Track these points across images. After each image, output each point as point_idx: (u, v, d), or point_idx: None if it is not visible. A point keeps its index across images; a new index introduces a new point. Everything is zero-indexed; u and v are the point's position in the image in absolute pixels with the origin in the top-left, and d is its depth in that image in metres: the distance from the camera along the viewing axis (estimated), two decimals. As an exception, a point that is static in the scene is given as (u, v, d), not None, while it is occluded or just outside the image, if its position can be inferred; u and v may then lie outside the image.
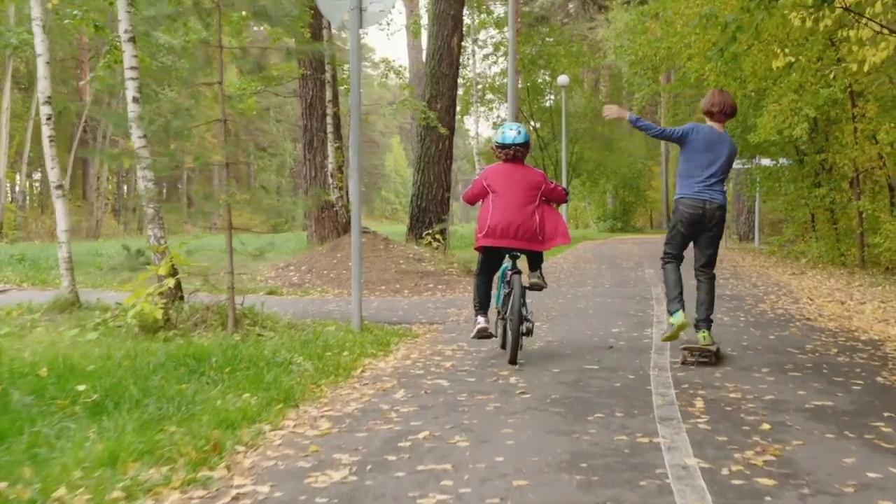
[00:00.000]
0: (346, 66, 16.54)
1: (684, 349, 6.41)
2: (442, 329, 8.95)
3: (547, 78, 43.93)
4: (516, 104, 38.24)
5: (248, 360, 6.37)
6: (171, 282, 8.25)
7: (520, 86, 42.28)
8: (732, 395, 5.23)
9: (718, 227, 6.52)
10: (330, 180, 14.89)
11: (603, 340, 7.74)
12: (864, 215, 15.55)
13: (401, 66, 19.87)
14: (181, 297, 9.26)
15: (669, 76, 49.49)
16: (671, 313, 6.48)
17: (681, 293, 6.55)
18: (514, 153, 6.66)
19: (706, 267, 6.75)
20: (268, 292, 13.27)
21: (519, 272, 6.62)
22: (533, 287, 6.77)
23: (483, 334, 6.75)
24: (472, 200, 6.87)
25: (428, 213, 16.65)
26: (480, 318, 6.78)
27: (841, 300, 11.07)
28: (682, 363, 6.36)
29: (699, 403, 5.00)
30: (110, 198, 58.28)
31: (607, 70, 51.36)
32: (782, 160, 20.71)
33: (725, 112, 6.38)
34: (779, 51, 10.77)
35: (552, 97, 44.18)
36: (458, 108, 19.33)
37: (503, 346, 6.93)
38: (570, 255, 22.16)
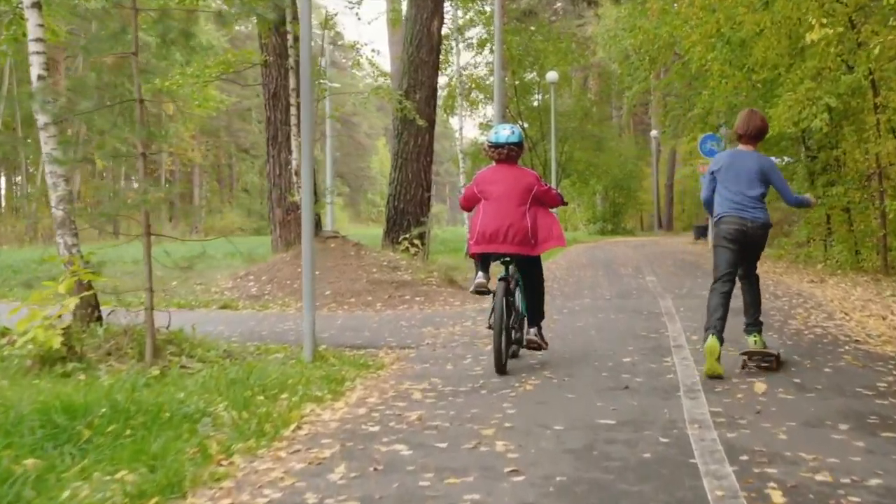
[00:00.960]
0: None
1: (743, 354, 6.32)
2: (413, 357, 7.32)
3: (535, 77, 42.35)
4: (503, 101, 36.72)
5: (148, 411, 4.73)
6: (71, 302, 6.57)
7: (507, 82, 40.74)
8: (819, 478, 3.60)
9: (760, 246, 6.41)
10: (294, 179, 13.23)
11: (614, 375, 6.12)
12: (886, 217, 14.02)
13: (374, 51, 18.18)
14: (98, 319, 7.61)
15: (660, 74, 48.19)
16: (705, 339, 6.09)
17: (720, 318, 6.10)
18: (507, 153, 6.47)
19: (750, 272, 6.56)
20: (221, 306, 11.63)
21: (506, 280, 6.35)
22: (530, 346, 6.68)
23: (480, 288, 6.42)
24: (467, 207, 6.79)
25: (406, 216, 15.04)
26: (480, 274, 6.48)
27: (881, 314, 9.48)
28: (742, 368, 6.24)
29: (777, 497, 3.36)
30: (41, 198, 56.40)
31: (597, 68, 49.92)
32: (787, 158, 19.23)
33: (749, 134, 6.29)
34: (814, 21, 9.16)
35: (540, 96, 42.59)
36: (439, 103, 17.61)
37: (497, 370, 6.24)
38: (562, 260, 20.57)
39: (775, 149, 18.58)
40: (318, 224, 14.03)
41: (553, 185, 35.49)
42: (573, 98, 44.81)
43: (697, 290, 12.32)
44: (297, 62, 13.57)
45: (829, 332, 8.18)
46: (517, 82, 41.96)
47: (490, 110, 40.68)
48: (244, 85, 20.50)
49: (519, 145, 6.51)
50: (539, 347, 6.68)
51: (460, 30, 27.91)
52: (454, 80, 20.03)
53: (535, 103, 42.90)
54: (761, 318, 6.57)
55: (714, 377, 5.84)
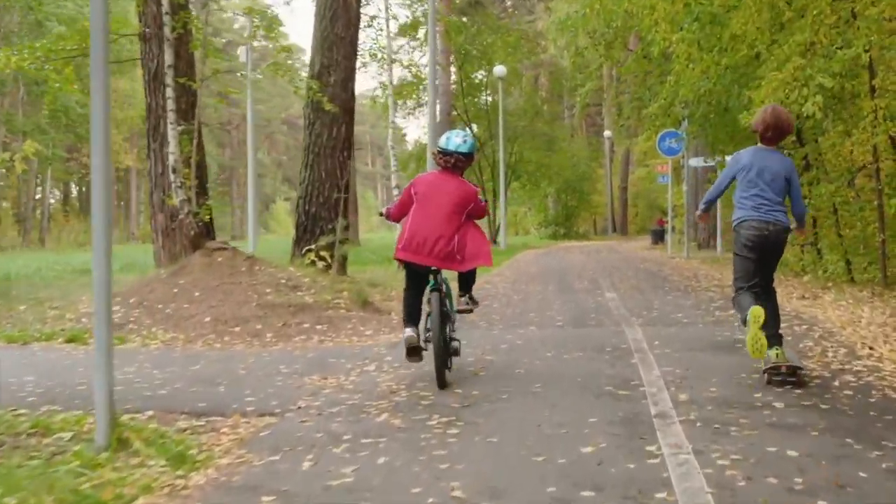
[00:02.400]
0: (202, 17, 12.27)
1: (766, 371, 5.85)
2: (265, 438, 4.80)
3: (483, 74, 39.98)
4: (441, 99, 34.29)
5: None
6: None
7: (453, 81, 38.35)
8: None
9: (780, 251, 6.08)
10: (172, 177, 10.61)
11: (569, 487, 3.66)
12: (885, 219, 11.86)
13: (273, 13, 15.56)
14: None
15: (614, 74, 46.20)
16: (744, 319, 5.82)
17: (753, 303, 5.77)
18: (454, 162, 6.23)
19: (768, 283, 6.12)
20: (67, 339, 8.97)
21: (439, 289, 6.06)
22: (461, 311, 6.50)
23: (411, 353, 6.07)
24: (397, 216, 6.41)
25: (319, 222, 12.50)
26: (408, 330, 6.11)
27: (915, 348, 7.21)
28: (767, 384, 5.79)
29: None
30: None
31: (548, 66, 47.80)
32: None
33: (774, 134, 5.98)
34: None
35: (489, 97, 40.21)
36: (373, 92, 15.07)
37: (440, 385, 5.92)
38: (508, 271, 18.16)
39: (745, 144, 16.39)
40: (207, 233, 11.43)
41: (501, 186, 33.29)
42: (523, 96, 42.53)
43: (670, 311, 9.98)
44: (178, 34, 11.01)
45: (866, 381, 5.84)
46: (465, 81, 39.62)
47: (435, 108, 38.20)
48: (117, 62, 17.68)
49: (468, 156, 6.24)
50: (470, 311, 6.57)
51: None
52: (382, 63, 17.44)
53: (485, 100, 40.47)
54: (781, 332, 5.99)
55: (760, 355, 5.68)
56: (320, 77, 12.61)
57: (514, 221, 60.79)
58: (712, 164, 22.03)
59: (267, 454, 4.42)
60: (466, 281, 6.41)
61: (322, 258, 11.28)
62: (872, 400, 5.29)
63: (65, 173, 59.84)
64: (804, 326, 8.61)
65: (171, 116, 10.53)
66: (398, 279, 14.38)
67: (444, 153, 6.22)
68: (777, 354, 5.79)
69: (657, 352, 7.18)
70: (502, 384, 6.01)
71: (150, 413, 5.46)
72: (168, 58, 10.67)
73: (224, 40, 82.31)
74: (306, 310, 9.62)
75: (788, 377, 5.72)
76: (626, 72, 20.53)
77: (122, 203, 65.04)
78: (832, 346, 7.36)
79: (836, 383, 5.82)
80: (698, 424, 4.69)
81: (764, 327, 5.75)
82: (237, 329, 9.11)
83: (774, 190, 5.86)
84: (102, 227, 4.65)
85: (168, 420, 5.35)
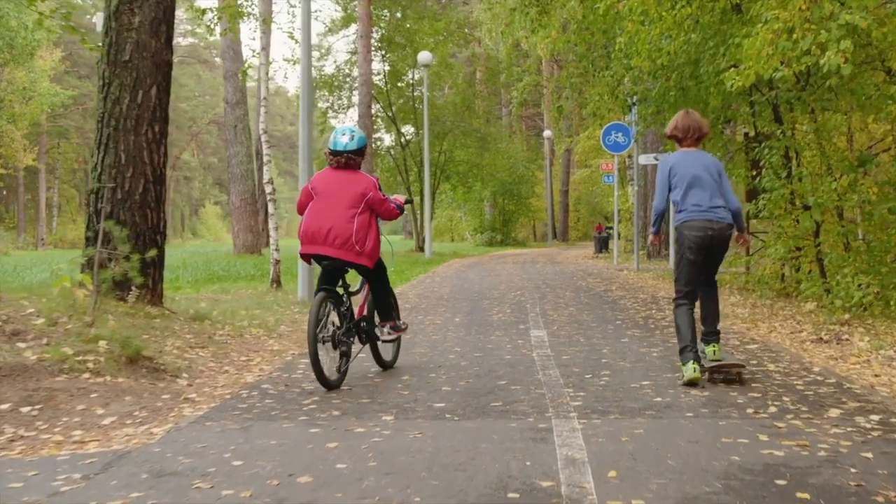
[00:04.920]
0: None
1: (710, 370, 5.75)
2: None
3: (412, 75, 36.13)
4: (361, 90, 30.35)
5: None
6: None
7: (375, 70, 34.46)
8: None
9: (725, 249, 5.92)
10: None
11: None
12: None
13: None
14: None
15: (553, 68, 42.76)
16: (683, 363, 5.68)
17: (694, 338, 5.70)
18: (345, 161, 6.14)
19: (710, 279, 5.98)
20: None
21: (329, 291, 5.97)
22: (388, 342, 6.55)
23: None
24: (301, 210, 6.20)
25: (119, 226, 8.46)
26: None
27: None
28: (709, 381, 5.74)
29: None
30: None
31: (484, 61, 44.16)
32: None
33: (692, 136, 6.01)
34: None
35: (414, 92, 36.34)
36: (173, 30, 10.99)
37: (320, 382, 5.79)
38: (414, 290, 14.27)
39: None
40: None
41: (426, 187, 29.40)
42: (454, 88, 38.75)
43: (628, 373, 6.20)
44: None
45: None
46: (387, 67, 35.76)
47: (355, 97, 34.10)
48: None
49: (358, 152, 6.16)
50: (396, 339, 6.65)
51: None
52: (251, 19, 13.55)
53: (410, 94, 36.59)
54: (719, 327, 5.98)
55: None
56: (119, 15, 8.60)
57: (450, 227, 57.03)
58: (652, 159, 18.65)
59: None
60: (383, 307, 6.39)
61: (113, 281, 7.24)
62: None
63: None
64: (844, 399, 4.93)
65: None
66: (249, 306, 10.46)
67: (333, 153, 6.17)
68: (714, 351, 5.85)
69: (615, 489, 3.39)
70: None
71: None
72: None
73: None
74: (15, 377, 5.62)
75: (729, 375, 5.75)
76: (562, 43, 16.77)
77: (18, 206, 59.84)
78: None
79: None
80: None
81: (703, 323, 5.97)
82: None
83: (709, 188, 5.83)
84: None
85: None
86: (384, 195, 6.17)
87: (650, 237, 6.19)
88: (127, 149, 8.66)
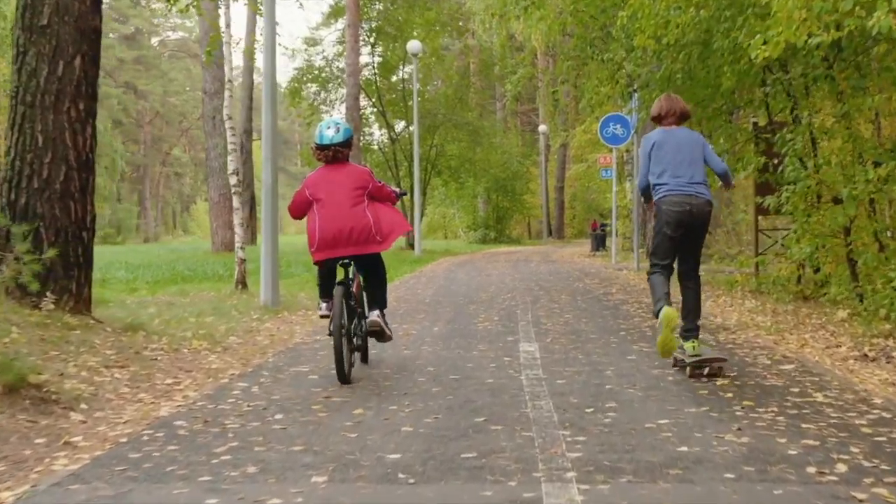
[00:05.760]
0: None
1: (689, 366, 5.68)
2: None
3: (406, 73, 34.80)
4: (349, 81, 29.01)
5: None
6: None
7: (365, 63, 33.14)
8: None
9: (705, 228, 5.97)
10: None
11: None
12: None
13: None
14: None
15: (549, 63, 41.44)
16: (656, 313, 5.66)
17: (667, 293, 5.72)
18: (333, 154, 6.10)
19: (693, 271, 6.02)
20: None
21: (345, 283, 5.96)
22: (372, 331, 6.24)
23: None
24: (297, 213, 6.21)
25: (36, 220, 7.19)
26: (323, 305, 6.14)
27: None
28: (690, 377, 5.65)
29: None
30: None
31: (479, 53, 42.78)
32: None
33: (675, 115, 6.06)
34: None
35: (405, 84, 35.01)
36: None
37: (340, 379, 5.76)
38: (395, 292, 12.94)
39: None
40: None
41: (416, 183, 28.12)
42: (445, 80, 37.40)
43: (638, 406, 4.90)
44: None
45: None
46: (377, 59, 34.45)
47: (344, 93, 32.71)
48: None
49: (345, 144, 6.11)
50: (383, 334, 6.26)
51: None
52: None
53: (401, 86, 35.25)
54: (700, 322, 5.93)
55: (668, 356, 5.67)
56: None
57: (443, 224, 55.66)
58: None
59: None
60: (373, 293, 6.26)
61: (25, 290, 5.95)
62: None
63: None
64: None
65: None
66: (203, 312, 9.19)
67: (320, 148, 6.10)
68: (693, 347, 5.76)
69: None
70: None
71: None
72: None
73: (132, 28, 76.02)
74: None
75: (711, 369, 5.66)
76: (557, 27, 15.46)
77: None
78: None
79: None
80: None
81: (684, 319, 5.88)
82: None
83: (692, 163, 5.85)
84: None
85: None
86: (380, 181, 6.21)
87: (645, 202, 6.27)
88: (45, 129, 7.37)
